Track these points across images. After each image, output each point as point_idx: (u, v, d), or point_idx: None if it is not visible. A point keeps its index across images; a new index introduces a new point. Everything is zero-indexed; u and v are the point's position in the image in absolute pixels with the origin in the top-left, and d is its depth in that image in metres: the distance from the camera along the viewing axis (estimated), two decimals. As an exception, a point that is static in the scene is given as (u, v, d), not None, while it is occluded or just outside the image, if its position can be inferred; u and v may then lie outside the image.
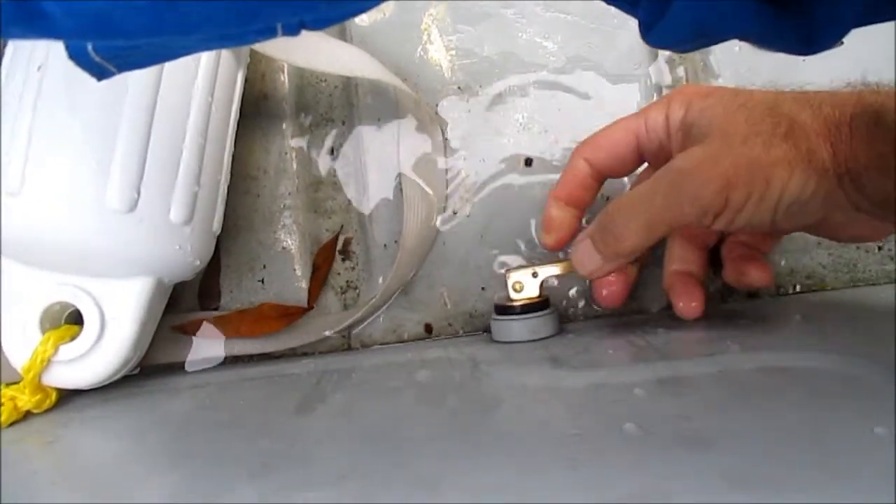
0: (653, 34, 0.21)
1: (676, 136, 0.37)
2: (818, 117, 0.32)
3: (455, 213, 0.48)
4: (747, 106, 0.33)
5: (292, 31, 0.16)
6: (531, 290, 0.43)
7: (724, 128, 0.33)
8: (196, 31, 0.14)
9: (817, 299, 0.45)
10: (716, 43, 0.22)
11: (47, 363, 0.37)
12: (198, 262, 0.40)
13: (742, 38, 0.21)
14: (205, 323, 0.46)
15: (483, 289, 0.47)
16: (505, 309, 0.43)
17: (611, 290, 0.43)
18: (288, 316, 0.46)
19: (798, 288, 0.47)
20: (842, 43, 0.32)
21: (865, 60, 0.40)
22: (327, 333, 0.46)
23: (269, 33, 0.16)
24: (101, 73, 0.18)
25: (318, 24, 0.16)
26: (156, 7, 0.14)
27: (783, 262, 0.47)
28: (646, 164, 0.41)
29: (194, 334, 0.46)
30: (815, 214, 0.33)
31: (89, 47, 0.17)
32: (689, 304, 0.41)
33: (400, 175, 0.47)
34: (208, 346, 0.46)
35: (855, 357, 0.31)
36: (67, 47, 0.18)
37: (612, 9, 0.23)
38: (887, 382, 0.26)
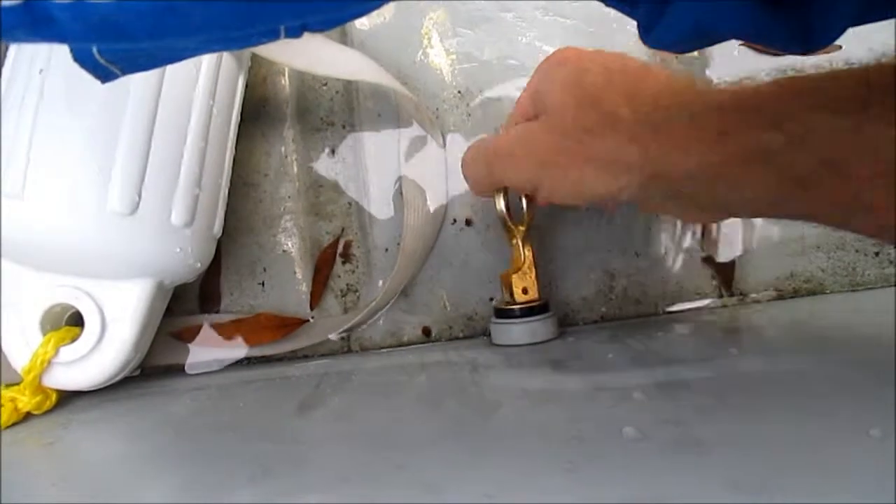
0: (652, 35, 0.21)
1: (536, 101, 0.37)
2: (640, 113, 0.31)
3: (455, 217, 0.48)
4: (576, 91, 0.33)
5: (295, 33, 0.16)
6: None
7: (556, 110, 0.34)
8: (199, 33, 0.15)
9: (816, 303, 0.45)
10: (714, 43, 0.22)
11: (48, 365, 0.37)
12: (198, 265, 0.40)
13: (739, 38, 0.21)
14: (202, 329, 0.46)
15: (490, 298, 0.47)
16: (504, 312, 0.43)
17: None
18: (285, 327, 0.46)
19: (796, 292, 0.47)
20: (840, 47, 0.32)
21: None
22: (328, 336, 0.46)
23: (272, 35, 0.16)
24: (105, 76, 0.19)
25: (320, 26, 0.16)
26: (159, 10, 0.14)
27: (782, 266, 0.47)
28: None
29: (191, 341, 0.46)
30: (632, 200, 0.33)
31: (94, 50, 0.18)
32: None
33: (400, 178, 0.48)
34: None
35: (852, 361, 0.31)
36: (73, 50, 0.18)
37: (611, 13, 0.23)
38: (884, 386, 0.27)
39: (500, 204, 0.42)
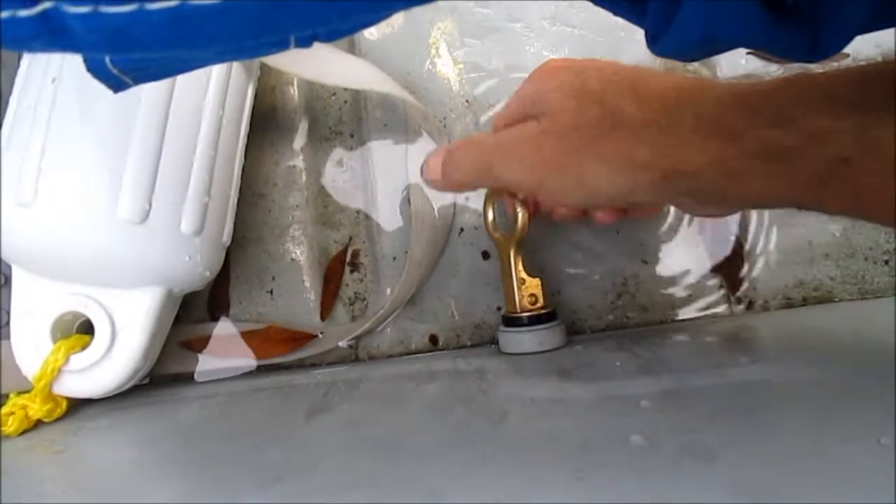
0: (660, 44, 0.21)
1: (529, 109, 0.37)
2: (646, 112, 0.31)
3: (462, 226, 0.48)
4: (579, 93, 0.33)
5: (305, 43, 0.17)
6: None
7: (556, 112, 0.33)
8: (212, 44, 0.15)
9: (825, 312, 0.45)
10: (721, 52, 0.22)
11: (58, 372, 0.37)
12: (208, 273, 0.41)
13: (747, 47, 0.21)
14: (211, 339, 0.46)
15: (498, 307, 0.47)
16: (513, 320, 0.43)
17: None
18: (294, 341, 0.46)
19: (806, 300, 0.47)
20: (847, 55, 0.32)
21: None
22: (336, 344, 0.46)
23: (283, 45, 0.17)
24: (118, 86, 0.19)
25: (329, 37, 0.17)
26: (173, 21, 0.14)
27: (790, 274, 0.47)
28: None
29: (201, 351, 0.46)
30: (642, 202, 0.33)
31: (107, 60, 0.18)
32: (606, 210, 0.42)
33: (408, 187, 0.48)
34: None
35: (862, 369, 0.31)
36: (86, 60, 0.18)
37: (619, 22, 0.23)
38: (893, 394, 0.26)
39: (490, 214, 0.43)
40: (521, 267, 0.43)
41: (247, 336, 0.47)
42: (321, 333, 0.47)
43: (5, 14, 0.14)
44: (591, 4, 0.25)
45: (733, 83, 0.30)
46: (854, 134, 0.24)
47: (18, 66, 0.39)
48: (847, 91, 0.25)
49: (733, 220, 0.47)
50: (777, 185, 0.28)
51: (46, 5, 0.14)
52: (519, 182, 0.35)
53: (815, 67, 0.29)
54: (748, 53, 0.48)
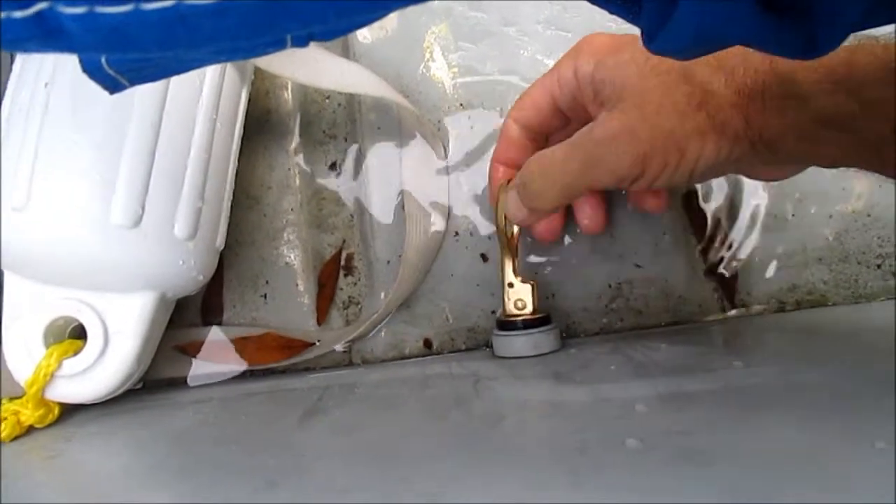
0: (656, 43, 0.21)
1: (587, 91, 0.37)
2: (731, 85, 0.32)
3: (457, 230, 0.48)
4: (660, 68, 0.33)
5: (301, 42, 0.17)
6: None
7: (639, 94, 0.34)
8: (208, 44, 0.15)
9: (818, 315, 0.45)
10: (717, 50, 0.22)
11: (50, 378, 0.37)
12: (201, 277, 0.41)
13: (744, 44, 0.21)
14: (205, 344, 0.46)
15: (492, 310, 0.47)
16: (507, 324, 0.43)
17: (550, 225, 0.44)
18: (291, 348, 0.46)
19: (799, 304, 0.47)
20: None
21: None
22: (330, 348, 0.46)
23: (279, 45, 0.17)
24: (113, 87, 0.19)
25: (326, 36, 0.17)
26: (169, 21, 0.14)
27: (784, 278, 0.47)
28: None
29: (195, 355, 0.46)
30: (728, 172, 0.36)
31: (103, 61, 0.18)
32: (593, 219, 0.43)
33: (402, 191, 0.48)
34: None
35: (856, 373, 0.31)
36: (82, 61, 0.18)
37: (613, 26, 0.23)
38: (888, 398, 0.27)
39: (503, 217, 0.43)
40: (511, 271, 0.43)
41: (242, 342, 0.46)
42: (318, 341, 0.46)
43: (0, 15, 0.14)
44: (585, 9, 0.25)
45: None
46: None
47: (11, 69, 0.39)
48: None
49: (728, 224, 0.48)
50: (844, 149, 0.30)
51: (41, 6, 0.13)
52: (622, 178, 0.35)
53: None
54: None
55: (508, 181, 0.41)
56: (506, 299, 0.43)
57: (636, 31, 0.21)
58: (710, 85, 0.32)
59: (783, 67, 0.31)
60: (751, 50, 0.32)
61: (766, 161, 0.34)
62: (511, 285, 0.43)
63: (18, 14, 0.14)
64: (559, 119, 0.41)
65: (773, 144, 0.32)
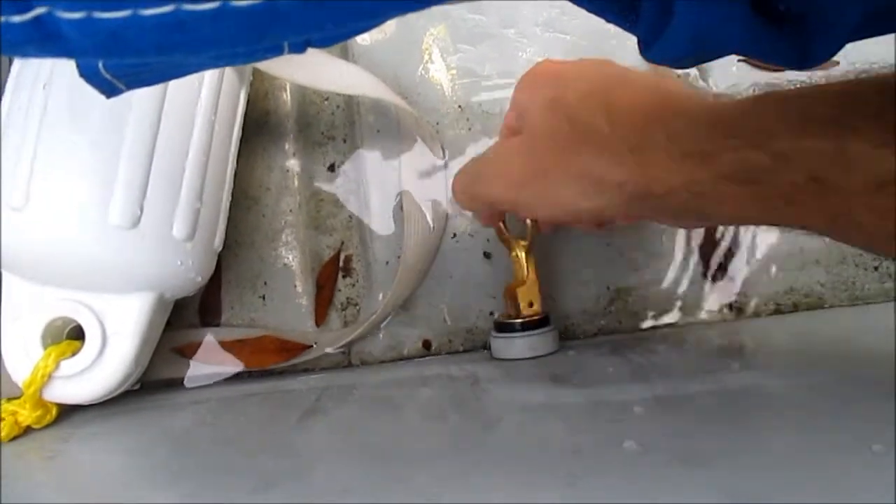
0: (652, 51, 0.21)
1: (513, 112, 0.38)
2: (617, 130, 0.31)
3: (455, 231, 0.48)
4: (555, 107, 0.33)
5: (298, 49, 0.17)
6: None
7: (532, 128, 0.34)
8: (206, 49, 0.15)
9: (816, 318, 0.45)
10: (714, 58, 0.22)
11: (48, 378, 0.37)
12: (199, 278, 0.41)
13: (739, 54, 0.21)
14: (203, 345, 0.46)
15: (490, 312, 0.47)
16: (505, 326, 0.43)
17: None
18: (287, 351, 0.46)
19: (796, 307, 0.47)
20: (837, 63, 0.32)
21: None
22: (328, 350, 0.46)
23: (277, 51, 0.17)
24: (110, 91, 0.19)
25: (323, 42, 0.17)
26: (167, 27, 0.14)
27: (781, 281, 0.47)
28: None
29: (193, 357, 0.46)
30: (616, 216, 0.34)
31: (100, 65, 0.18)
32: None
33: (401, 192, 0.48)
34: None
35: (853, 376, 0.31)
36: (79, 66, 0.18)
37: (611, 29, 0.23)
38: (885, 401, 0.27)
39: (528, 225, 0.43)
40: (532, 269, 0.43)
41: (240, 344, 0.46)
42: (315, 344, 0.46)
43: None
44: (583, 11, 0.25)
45: (707, 100, 0.30)
46: (829, 153, 0.24)
47: (9, 71, 0.39)
48: (821, 109, 0.25)
49: (726, 227, 0.48)
50: (749, 206, 0.27)
51: (40, 11, 0.14)
52: (498, 200, 0.36)
53: (801, 77, 0.29)
54: (739, 61, 0.48)
55: None
56: (517, 300, 0.43)
57: (631, 49, 0.21)
58: (597, 127, 0.31)
59: (681, 126, 0.29)
60: (658, 95, 0.31)
61: (658, 212, 0.32)
62: (523, 282, 0.43)
63: (17, 19, 0.14)
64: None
65: (662, 198, 0.29)
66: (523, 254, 0.43)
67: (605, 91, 0.32)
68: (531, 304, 0.43)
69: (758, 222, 0.30)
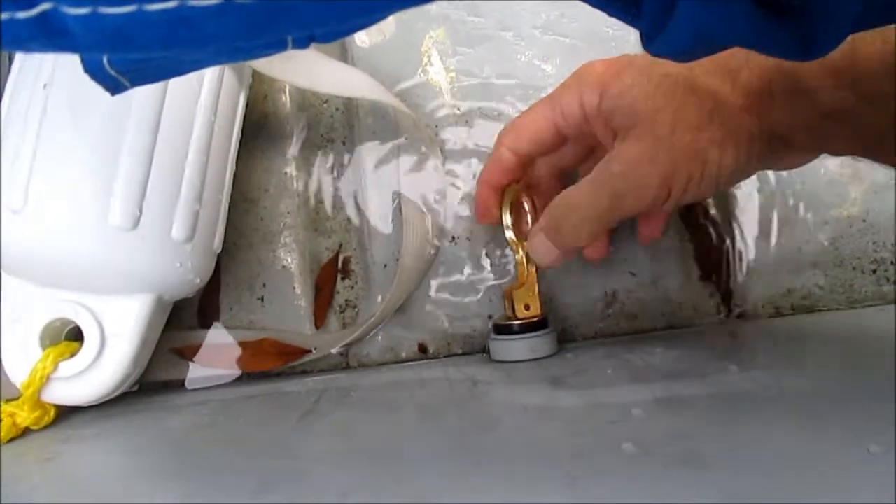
0: (655, 45, 0.21)
1: (596, 122, 0.37)
2: (738, 87, 0.32)
3: (454, 234, 0.48)
4: (665, 86, 0.34)
5: (302, 44, 0.17)
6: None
7: (649, 117, 0.34)
8: (210, 44, 0.15)
9: (813, 320, 0.45)
10: (717, 51, 0.22)
11: (47, 380, 0.37)
12: (198, 280, 0.41)
13: (742, 46, 0.21)
14: (202, 347, 0.46)
15: (489, 315, 0.47)
16: (503, 328, 0.43)
17: (598, 245, 0.43)
18: (287, 355, 0.46)
19: (794, 309, 0.47)
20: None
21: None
22: (326, 352, 0.46)
23: (280, 46, 0.17)
24: (115, 87, 0.19)
25: (327, 38, 0.17)
26: (172, 22, 0.14)
27: (779, 283, 0.47)
28: None
29: (192, 359, 0.46)
30: (753, 172, 0.36)
31: (105, 61, 0.18)
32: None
33: (399, 195, 0.48)
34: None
35: (850, 378, 0.31)
36: (83, 61, 0.18)
37: (610, 31, 0.24)
38: (882, 402, 0.27)
39: (507, 219, 0.43)
40: (532, 271, 0.43)
41: (239, 346, 0.46)
42: (315, 349, 0.46)
43: (4, 16, 0.14)
44: (583, 15, 0.25)
45: None
46: None
47: (9, 70, 0.39)
48: None
49: (723, 230, 0.48)
50: (849, 141, 0.31)
51: (45, 6, 0.14)
52: (651, 203, 0.35)
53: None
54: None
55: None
56: (514, 302, 0.43)
57: (630, 51, 0.22)
58: (717, 93, 0.33)
59: (787, 64, 0.31)
60: (743, 55, 0.33)
61: (782, 155, 0.35)
62: (522, 285, 0.43)
63: (22, 14, 0.14)
64: (558, 146, 0.42)
65: (786, 139, 0.33)
66: (525, 255, 0.43)
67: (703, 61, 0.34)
68: (528, 307, 0.43)
69: (860, 155, 0.33)
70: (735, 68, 0.33)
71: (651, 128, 0.34)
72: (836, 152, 0.35)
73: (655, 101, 0.34)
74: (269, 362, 0.46)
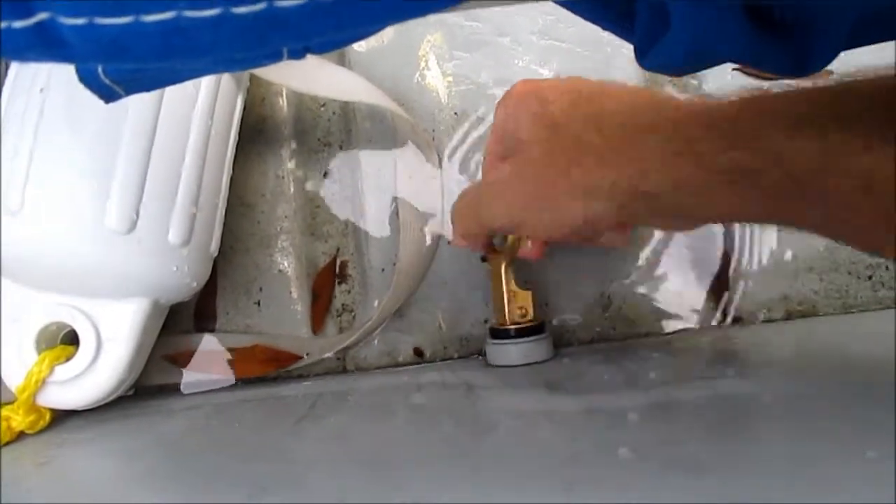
0: (648, 59, 0.21)
1: (499, 139, 0.38)
2: (609, 139, 0.31)
3: (451, 239, 0.48)
4: (547, 123, 0.34)
5: (297, 55, 0.17)
6: None
7: (527, 148, 0.34)
8: (206, 55, 0.15)
9: (809, 326, 0.45)
10: (710, 66, 0.22)
11: (42, 384, 0.37)
12: (195, 284, 0.41)
13: (735, 62, 0.21)
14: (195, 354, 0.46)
15: (485, 319, 0.47)
16: (500, 333, 0.43)
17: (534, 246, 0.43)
18: (278, 361, 0.46)
19: (790, 314, 0.47)
20: (831, 72, 0.33)
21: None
22: (323, 356, 0.46)
23: (276, 57, 0.17)
24: (109, 96, 0.19)
25: (323, 49, 0.17)
26: (168, 33, 0.14)
27: (775, 288, 0.47)
28: None
29: (185, 366, 0.46)
30: (613, 224, 0.33)
31: (100, 70, 0.18)
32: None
33: (396, 199, 0.48)
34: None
35: (847, 383, 0.31)
36: (78, 70, 0.18)
37: (606, 36, 0.24)
38: (879, 408, 0.27)
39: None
40: (512, 280, 0.43)
41: (231, 352, 0.46)
42: (307, 355, 0.46)
43: (1, 25, 0.14)
44: (579, 19, 0.25)
45: (693, 101, 0.31)
46: (816, 155, 0.24)
47: (6, 75, 0.38)
48: (808, 111, 0.25)
49: (719, 235, 0.48)
50: (743, 204, 0.28)
51: (42, 17, 0.14)
52: (503, 225, 0.36)
53: (793, 84, 0.29)
54: (734, 69, 0.48)
55: None
56: (506, 309, 0.43)
57: (626, 57, 0.22)
58: (588, 139, 0.32)
59: (671, 129, 0.29)
60: (642, 101, 0.32)
61: (655, 214, 0.33)
62: (514, 294, 0.43)
63: (19, 24, 0.14)
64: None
65: (658, 199, 0.30)
66: (504, 264, 0.43)
67: (589, 101, 0.33)
68: (524, 314, 0.43)
69: (749, 220, 0.30)
70: (606, 120, 0.32)
71: (524, 158, 0.34)
72: (737, 219, 0.32)
73: (537, 134, 0.34)
74: (261, 368, 0.46)
